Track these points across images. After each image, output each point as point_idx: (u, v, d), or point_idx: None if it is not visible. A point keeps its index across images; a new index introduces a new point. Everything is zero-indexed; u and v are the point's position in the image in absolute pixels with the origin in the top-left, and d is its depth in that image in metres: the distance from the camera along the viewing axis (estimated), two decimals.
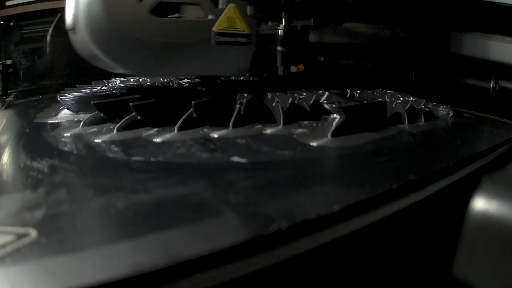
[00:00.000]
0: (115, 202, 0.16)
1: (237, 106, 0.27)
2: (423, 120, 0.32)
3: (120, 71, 0.30)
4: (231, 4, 0.29)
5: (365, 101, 0.30)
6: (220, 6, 0.29)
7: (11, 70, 0.61)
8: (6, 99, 0.53)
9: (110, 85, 0.43)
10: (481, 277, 0.22)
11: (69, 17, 0.30)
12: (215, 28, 0.29)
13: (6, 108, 0.46)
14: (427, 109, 0.34)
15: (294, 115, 0.27)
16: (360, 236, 0.18)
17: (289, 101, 0.28)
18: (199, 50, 0.29)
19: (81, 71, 0.64)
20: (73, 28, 0.29)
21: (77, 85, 0.43)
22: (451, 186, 0.21)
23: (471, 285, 0.22)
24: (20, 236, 0.14)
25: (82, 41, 0.29)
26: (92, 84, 0.43)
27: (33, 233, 0.15)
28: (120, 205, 0.16)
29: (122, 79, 0.46)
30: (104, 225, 0.15)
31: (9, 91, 0.57)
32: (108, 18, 0.27)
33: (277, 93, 0.31)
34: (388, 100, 0.33)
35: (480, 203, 0.23)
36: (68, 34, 0.31)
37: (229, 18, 0.29)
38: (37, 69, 0.64)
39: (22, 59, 0.64)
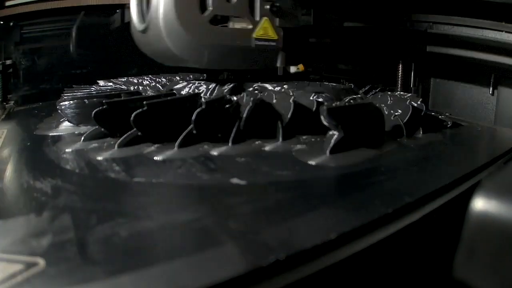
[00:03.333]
0: (119, 230, 0.17)
1: (236, 123, 0.28)
2: (421, 132, 0.32)
3: (188, 65, 0.40)
4: (264, 17, 0.41)
5: (363, 105, 0.30)
6: (256, 18, 0.41)
7: (11, 70, 0.61)
8: (6, 106, 0.53)
9: (104, 87, 0.44)
10: (481, 277, 0.22)
11: (139, 21, 0.40)
12: (254, 34, 0.41)
13: (6, 116, 0.46)
14: (426, 119, 0.34)
15: (297, 116, 0.29)
16: (359, 256, 0.18)
17: (291, 101, 0.29)
18: (243, 50, 0.40)
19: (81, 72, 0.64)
20: (145, 30, 0.39)
21: (74, 86, 0.43)
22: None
23: (471, 285, 0.23)
24: (29, 266, 0.15)
25: (155, 41, 0.38)
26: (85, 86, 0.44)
27: (41, 262, 0.15)
28: (123, 233, 0.17)
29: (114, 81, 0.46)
30: (108, 256, 0.15)
31: (9, 96, 0.57)
32: (180, 25, 0.37)
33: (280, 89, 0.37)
34: (387, 113, 0.33)
35: (480, 203, 0.23)
36: (132, 34, 0.42)
37: (263, 27, 0.41)
38: (37, 70, 0.64)
39: (22, 59, 0.64)
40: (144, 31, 0.39)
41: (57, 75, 0.65)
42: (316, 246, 0.16)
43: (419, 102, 0.34)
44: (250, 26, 0.40)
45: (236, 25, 0.40)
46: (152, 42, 0.39)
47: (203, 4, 0.38)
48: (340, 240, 0.17)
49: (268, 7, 0.40)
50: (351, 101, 0.33)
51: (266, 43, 0.41)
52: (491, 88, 0.58)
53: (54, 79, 0.65)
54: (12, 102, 0.55)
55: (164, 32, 0.36)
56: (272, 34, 0.41)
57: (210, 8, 0.38)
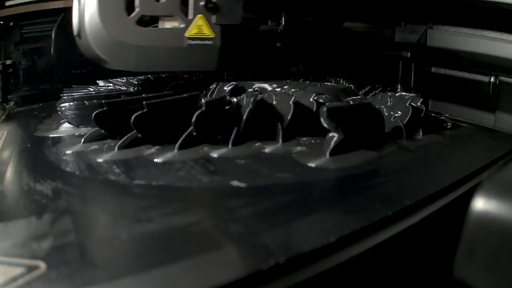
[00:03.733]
0: (120, 233, 0.17)
1: (236, 125, 0.28)
2: (421, 133, 0.32)
3: (116, 68, 0.39)
4: (198, 15, 0.39)
5: (363, 107, 0.30)
6: (189, 17, 0.39)
7: (11, 70, 0.61)
8: (7, 106, 0.53)
9: (103, 87, 0.44)
10: (481, 277, 0.23)
11: (75, 26, 0.39)
12: (186, 34, 0.39)
13: (6, 116, 0.46)
14: (426, 120, 0.34)
15: (297, 117, 0.29)
16: (358, 258, 0.18)
17: (291, 102, 0.29)
18: (175, 51, 0.39)
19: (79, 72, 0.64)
20: (79, 35, 0.38)
21: (73, 86, 0.43)
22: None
23: (471, 285, 0.23)
24: (30, 269, 0.15)
25: (86, 45, 0.38)
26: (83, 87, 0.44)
27: (42, 265, 0.15)
28: (124, 236, 0.17)
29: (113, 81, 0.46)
30: (109, 259, 0.16)
31: (9, 96, 0.57)
32: (104, 28, 0.36)
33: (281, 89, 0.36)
34: (387, 114, 0.33)
35: (480, 203, 0.23)
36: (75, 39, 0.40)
37: (197, 26, 0.39)
38: (37, 70, 0.64)
39: (22, 59, 0.64)
40: (78, 35, 0.38)
41: (57, 75, 0.65)
42: (315, 249, 0.16)
43: (419, 103, 0.34)
44: (183, 25, 0.37)
45: (167, 24, 0.38)
46: (85, 47, 0.38)
47: (131, 5, 0.36)
48: (339, 243, 0.17)
49: (202, 3, 0.38)
50: (350, 102, 0.33)
51: (201, 42, 0.38)
52: (491, 88, 0.58)
53: (54, 79, 0.65)
54: (12, 102, 0.55)
55: (90, 36, 0.36)
56: (208, 32, 0.38)
57: (137, 9, 0.36)
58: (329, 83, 0.42)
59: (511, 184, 0.24)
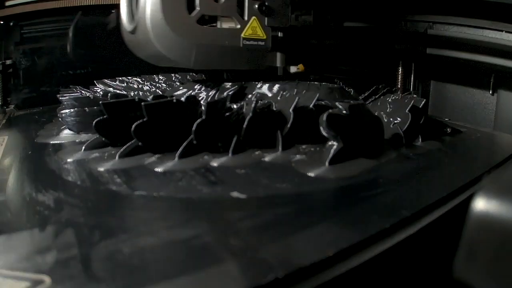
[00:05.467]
0: (122, 247, 0.17)
1: (236, 133, 0.28)
2: (420, 140, 0.32)
3: (174, 65, 0.40)
4: (253, 17, 0.41)
5: (362, 115, 0.30)
6: (245, 18, 0.41)
7: (11, 70, 0.61)
8: (7, 109, 0.53)
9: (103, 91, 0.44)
10: (481, 277, 0.23)
11: (128, 22, 0.40)
12: (242, 34, 0.41)
13: (7, 121, 0.46)
14: (426, 126, 0.34)
15: (296, 125, 0.29)
16: (357, 270, 0.19)
17: (291, 110, 0.29)
18: (231, 50, 0.40)
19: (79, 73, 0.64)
20: (134, 31, 0.39)
21: (70, 86, 0.44)
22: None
23: (471, 285, 0.23)
24: (35, 283, 0.15)
25: (143, 41, 0.38)
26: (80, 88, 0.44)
27: (47, 280, 0.15)
28: (126, 250, 0.17)
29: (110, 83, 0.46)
30: (113, 273, 0.16)
31: (8, 99, 0.57)
32: (167, 25, 0.37)
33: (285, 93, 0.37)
34: (386, 120, 0.33)
35: (480, 203, 0.23)
36: (122, 35, 0.41)
37: (252, 27, 0.41)
38: (37, 70, 0.64)
39: (22, 59, 0.64)
40: (133, 31, 0.39)
41: (58, 75, 0.65)
42: (314, 263, 0.16)
43: (422, 104, 0.34)
44: (239, 26, 0.40)
45: (224, 24, 0.40)
46: (140, 43, 0.39)
47: (191, 4, 0.38)
48: (338, 256, 0.17)
49: (256, 6, 0.40)
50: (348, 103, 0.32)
51: (255, 42, 0.41)
52: (491, 89, 0.58)
53: (55, 79, 0.65)
54: (13, 106, 0.55)
55: (151, 32, 0.36)
56: (260, 33, 0.41)
57: (198, 8, 0.37)
58: (322, 83, 0.42)
59: (511, 184, 0.24)
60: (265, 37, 0.41)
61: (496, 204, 0.23)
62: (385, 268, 0.22)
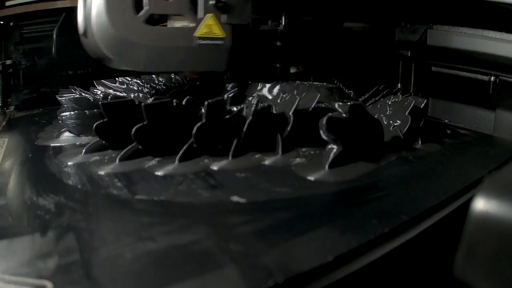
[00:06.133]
0: (123, 252, 0.17)
1: (236, 137, 0.28)
2: (420, 142, 0.32)
3: (122, 68, 0.38)
4: (208, 14, 0.38)
5: (362, 119, 0.30)
6: (199, 16, 0.38)
7: (11, 70, 0.61)
8: (7, 111, 0.53)
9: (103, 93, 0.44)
10: (481, 277, 0.23)
11: (80, 25, 0.38)
12: (196, 33, 0.38)
13: (7, 123, 0.46)
14: (425, 128, 0.34)
15: (296, 128, 0.29)
16: (356, 274, 0.19)
17: (291, 113, 0.29)
18: (184, 51, 0.38)
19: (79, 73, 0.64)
20: (85, 34, 0.38)
21: (69, 86, 0.44)
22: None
23: (471, 285, 0.23)
24: None
25: (93, 44, 0.37)
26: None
27: (49, 285, 0.16)
28: (128, 255, 0.17)
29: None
30: (114, 279, 0.16)
31: (9, 100, 0.57)
32: (113, 26, 0.35)
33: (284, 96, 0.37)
34: (386, 123, 0.33)
35: (480, 203, 0.23)
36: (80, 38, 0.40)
37: (207, 25, 0.39)
38: (38, 71, 0.64)
39: (22, 59, 0.64)
40: (84, 34, 0.37)
41: (58, 76, 0.65)
42: (313, 268, 0.16)
43: (423, 105, 0.34)
44: (193, 24, 0.37)
45: (176, 24, 0.37)
46: (91, 46, 0.37)
47: (139, 3, 0.36)
48: (337, 261, 0.17)
49: (213, 2, 0.37)
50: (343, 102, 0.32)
51: (211, 41, 0.38)
52: (491, 89, 0.58)
53: (55, 80, 0.65)
54: (13, 107, 0.55)
55: (97, 34, 0.35)
56: (218, 31, 0.38)
57: (146, 7, 0.35)
58: (322, 84, 0.42)
59: (511, 184, 0.24)
60: (223, 36, 0.38)
61: (496, 204, 0.23)
62: (385, 271, 0.22)
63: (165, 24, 0.38)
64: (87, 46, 0.39)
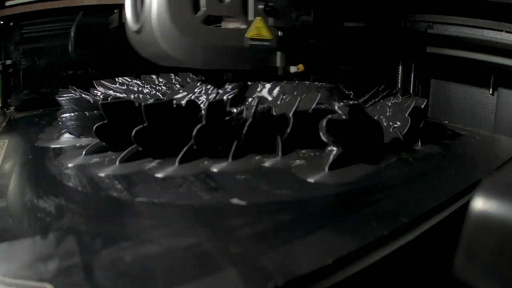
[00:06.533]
0: (123, 255, 0.17)
1: (236, 138, 0.28)
2: (420, 144, 0.32)
3: (180, 65, 0.40)
4: (257, 17, 0.41)
5: (362, 121, 0.30)
6: (249, 18, 0.41)
7: (11, 70, 0.61)
8: (7, 111, 0.53)
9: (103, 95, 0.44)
10: (480, 277, 0.23)
11: (133, 22, 0.40)
12: (247, 34, 0.41)
13: (7, 123, 0.46)
14: (425, 130, 0.34)
15: (296, 129, 0.29)
16: (356, 276, 0.19)
17: (290, 115, 0.29)
18: (237, 50, 0.40)
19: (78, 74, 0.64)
20: (139, 31, 0.39)
21: (69, 86, 0.44)
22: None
23: (471, 285, 0.23)
24: None
25: (149, 41, 0.38)
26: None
27: None
28: (128, 258, 0.17)
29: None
30: (114, 282, 0.16)
31: (9, 100, 0.57)
32: (173, 25, 0.37)
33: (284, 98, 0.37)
34: (385, 124, 0.33)
35: (480, 203, 0.23)
36: (127, 34, 0.42)
37: (256, 27, 0.42)
38: (38, 71, 0.64)
39: (22, 59, 0.64)
40: (138, 31, 0.39)
41: (58, 76, 0.65)
42: (313, 271, 0.16)
43: (424, 105, 0.34)
44: (244, 26, 0.40)
45: (229, 25, 0.40)
46: (146, 43, 0.39)
47: (196, 4, 0.38)
48: (336, 264, 0.17)
49: (261, 7, 0.40)
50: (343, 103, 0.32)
51: (260, 42, 0.41)
52: (491, 89, 0.58)
53: (55, 80, 0.65)
54: (13, 108, 0.55)
55: (157, 32, 0.36)
56: (266, 33, 0.41)
57: (203, 9, 0.38)
58: (321, 84, 0.43)
59: (511, 184, 0.24)
60: (271, 38, 0.41)
61: (496, 204, 0.23)
62: (384, 273, 0.22)
63: (219, 25, 0.40)
64: (139, 43, 0.40)
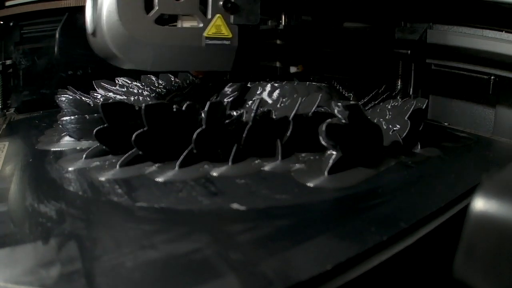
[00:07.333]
0: (125, 261, 0.17)
1: (236, 142, 0.28)
2: (419, 147, 0.33)
3: (131, 67, 0.39)
4: (217, 15, 0.39)
5: (362, 124, 0.30)
6: (208, 16, 0.39)
7: (10, 70, 0.61)
8: (7, 113, 0.53)
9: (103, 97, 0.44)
10: (480, 277, 0.23)
11: (90, 24, 0.38)
12: (205, 33, 0.39)
13: (7, 125, 0.46)
14: (424, 132, 0.34)
15: (296, 133, 0.29)
16: (355, 281, 0.19)
17: (290, 119, 0.29)
18: (193, 50, 0.39)
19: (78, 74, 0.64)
20: (94, 33, 0.38)
21: (68, 87, 0.44)
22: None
23: (470, 285, 0.23)
24: None
25: (102, 43, 0.37)
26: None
27: None
28: (128, 264, 0.17)
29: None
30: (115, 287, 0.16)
31: (9, 102, 0.57)
32: (122, 26, 0.36)
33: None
34: (385, 127, 0.33)
35: (480, 203, 0.23)
36: (87, 37, 0.40)
37: (216, 25, 0.39)
38: (38, 71, 0.64)
39: (22, 59, 0.64)
40: (93, 33, 0.38)
41: (59, 77, 0.65)
42: (312, 277, 0.17)
43: (425, 105, 0.34)
44: (201, 25, 0.38)
45: (186, 24, 0.38)
46: (100, 45, 0.37)
47: (149, 3, 0.36)
48: (336, 270, 0.17)
49: (221, 3, 0.38)
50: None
51: (219, 42, 0.38)
52: (491, 90, 0.58)
53: (55, 81, 0.64)
54: (13, 109, 0.55)
55: (107, 33, 0.35)
56: (225, 32, 0.39)
57: (156, 7, 0.36)
58: (321, 84, 0.42)
59: (511, 184, 0.25)
60: (230, 36, 0.39)
61: (496, 204, 0.23)
62: (384, 278, 0.22)
63: (173, 24, 0.38)
64: (95, 45, 0.39)
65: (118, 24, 0.35)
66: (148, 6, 0.36)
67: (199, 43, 0.38)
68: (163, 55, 0.37)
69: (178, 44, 0.37)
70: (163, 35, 0.37)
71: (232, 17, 0.39)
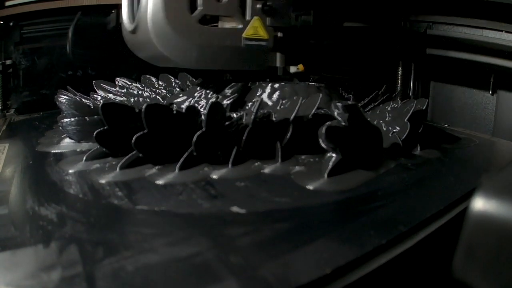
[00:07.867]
0: (125, 264, 0.17)
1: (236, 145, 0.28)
2: (419, 149, 0.33)
3: (174, 65, 0.40)
4: (255, 17, 0.41)
5: (362, 127, 0.30)
6: (247, 18, 0.41)
7: (10, 70, 0.61)
8: (7, 114, 0.53)
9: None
10: (480, 277, 0.23)
11: (128, 21, 0.40)
12: (244, 34, 0.41)
13: (7, 127, 0.46)
14: (424, 134, 0.34)
15: (296, 135, 0.30)
16: (355, 284, 0.19)
17: (290, 121, 0.29)
18: (232, 50, 0.40)
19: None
20: (135, 31, 0.39)
21: (68, 87, 0.44)
22: None
23: (470, 285, 0.23)
24: None
25: (144, 41, 0.38)
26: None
27: None
28: (129, 267, 0.17)
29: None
30: None
31: (8, 102, 0.57)
32: (168, 25, 0.37)
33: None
34: (385, 129, 0.33)
35: (480, 204, 0.23)
36: (123, 35, 0.41)
37: (253, 27, 0.41)
38: (38, 71, 0.64)
39: (22, 59, 0.64)
40: (133, 31, 0.39)
41: (59, 77, 0.65)
42: (311, 281, 0.17)
43: (425, 105, 0.34)
44: (241, 26, 0.40)
45: (226, 24, 0.40)
46: (141, 43, 0.39)
47: (193, 4, 0.38)
48: (335, 274, 0.17)
49: (259, 6, 0.40)
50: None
51: (257, 42, 0.41)
52: (491, 90, 0.58)
53: (55, 82, 0.64)
54: (13, 110, 0.55)
55: (152, 32, 0.36)
56: (262, 33, 0.41)
57: (200, 8, 0.38)
58: (321, 85, 0.43)
59: (510, 184, 0.25)
60: (267, 37, 0.41)
61: (495, 204, 0.23)
62: (383, 281, 0.22)
63: (216, 24, 0.40)
64: (133, 42, 0.40)
65: (164, 23, 0.36)
66: (192, 6, 0.38)
67: (239, 43, 0.40)
68: (205, 54, 0.39)
69: (220, 44, 0.39)
70: (206, 35, 0.38)
71: (268, 19, 0.41)
